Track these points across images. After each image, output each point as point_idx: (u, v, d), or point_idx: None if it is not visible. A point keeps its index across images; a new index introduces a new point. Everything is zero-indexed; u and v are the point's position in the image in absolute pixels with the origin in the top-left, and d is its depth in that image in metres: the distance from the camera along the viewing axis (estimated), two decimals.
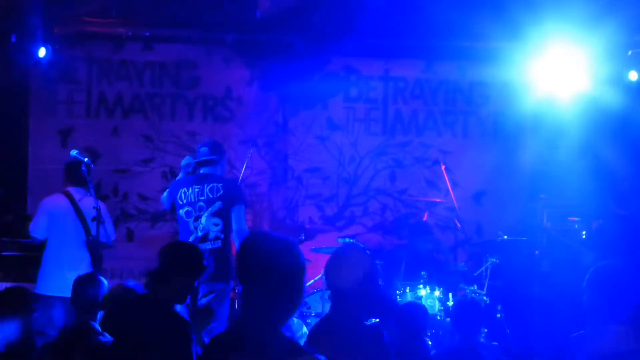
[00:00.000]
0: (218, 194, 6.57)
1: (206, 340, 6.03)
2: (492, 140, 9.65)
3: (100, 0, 8.65)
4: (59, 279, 6.75)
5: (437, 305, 7.44)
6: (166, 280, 4.45)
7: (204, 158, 6.72)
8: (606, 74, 8.73)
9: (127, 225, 9.20)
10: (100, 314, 5.29)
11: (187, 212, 6.61)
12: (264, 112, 9.46)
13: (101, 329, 4.71)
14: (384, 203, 9.61)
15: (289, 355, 2.84)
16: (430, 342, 6.59)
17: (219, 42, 9.26)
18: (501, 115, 9.58)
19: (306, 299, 7.73)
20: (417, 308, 6.00)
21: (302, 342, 3.75)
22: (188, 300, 5.29)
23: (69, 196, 7.14)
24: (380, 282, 4.02)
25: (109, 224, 7.31)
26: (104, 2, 8.68)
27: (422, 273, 7.54)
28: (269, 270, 2.90)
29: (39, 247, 7.21)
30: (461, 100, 9.71)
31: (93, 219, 6.98)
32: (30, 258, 7.60)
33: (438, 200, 9.16)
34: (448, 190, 8.72)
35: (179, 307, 5.09)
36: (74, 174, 7.19)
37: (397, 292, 7.45)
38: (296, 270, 2.95)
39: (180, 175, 6.91)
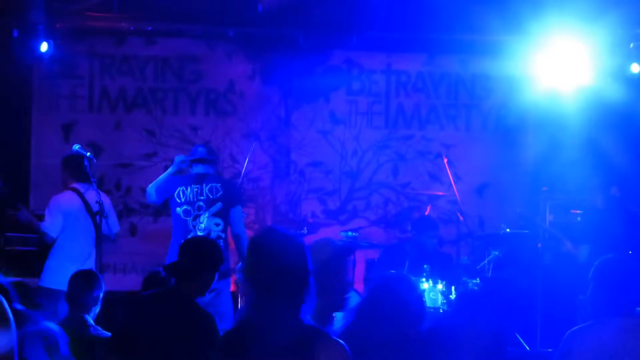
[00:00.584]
0: (218, 195, 6.69)
1: None
2: (494, 134, 9.66)
3: None
4: (64, 272, 6.73)
5: (440, 299, 7.45)
6: (193, 275, 4.51)
7: (201, 156, 6.77)
8: (609, 67, 8.73)
9: (130, 220, 9.21)
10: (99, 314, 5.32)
11: (185, 211, 6.66)
12: (267, 106, 9.46)
13: (121, 323, 4.59)
14: (386, 197, 9.61)
15: (308, 339, 2.89)
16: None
17: (221, 37, 9.25)
18: (504, 108, 9.57)
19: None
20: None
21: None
22: None
23: (79, 193, 7.17)
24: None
25: (112, 218, 7.34)
26: None
27: (425, 266, 7.55)
28: (279, 265, 2.97)
29: (42, 241, 7.24)
30: (464, 94, 9.71)
31: (96, 213, 7.01)
32: (35, 253, 7.64)
33: (440, 193, 9.15)
34: (450, 183, 8.72)
35: None
36: (77, 169, 7.20)
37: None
38: (303, 264, 3.03)
39: (170, 170, 6.93)
